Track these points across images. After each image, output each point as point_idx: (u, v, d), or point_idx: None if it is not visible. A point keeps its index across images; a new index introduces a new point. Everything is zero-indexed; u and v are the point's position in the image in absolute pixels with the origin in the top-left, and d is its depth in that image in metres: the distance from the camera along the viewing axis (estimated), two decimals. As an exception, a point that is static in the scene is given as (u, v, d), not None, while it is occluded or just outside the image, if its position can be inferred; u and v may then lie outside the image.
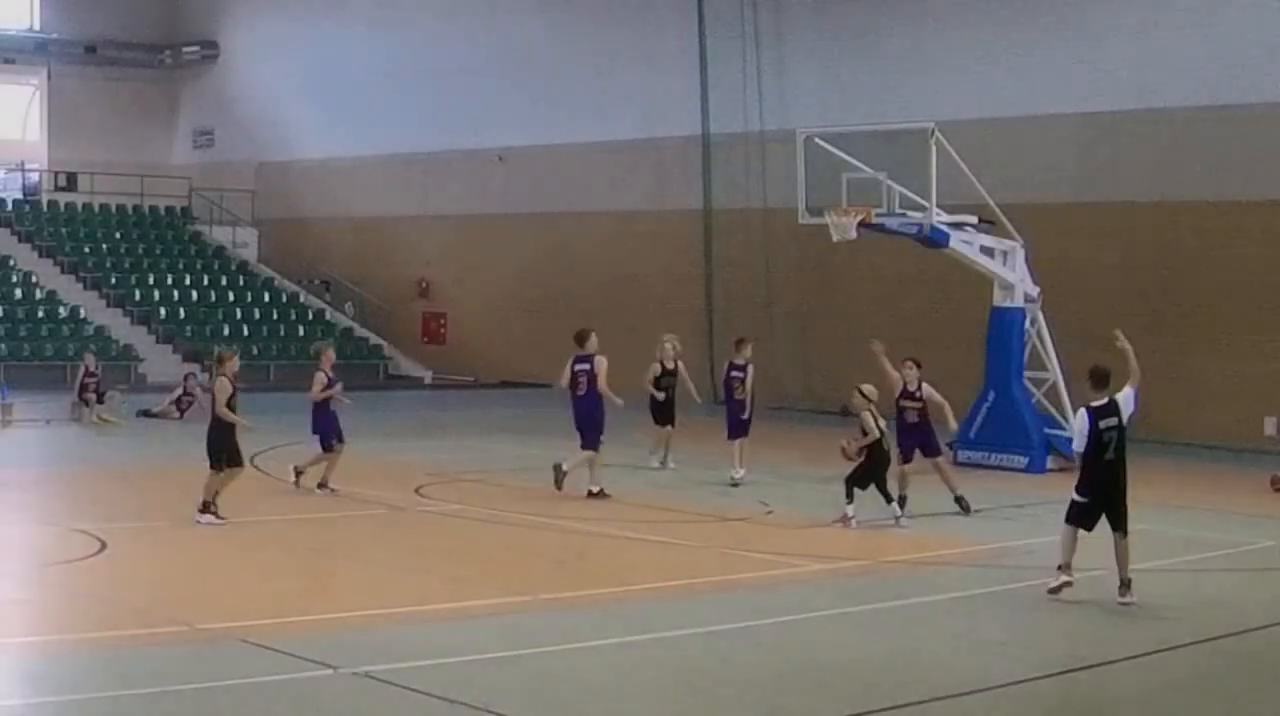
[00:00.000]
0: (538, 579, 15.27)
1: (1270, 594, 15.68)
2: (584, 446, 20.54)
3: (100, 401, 29.81)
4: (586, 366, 20.57)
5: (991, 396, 25.39)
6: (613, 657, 12.30)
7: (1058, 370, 25.62)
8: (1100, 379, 14.62)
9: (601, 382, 20.40)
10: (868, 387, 18.84)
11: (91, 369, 30.44)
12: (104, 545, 16.16)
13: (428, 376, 42.27)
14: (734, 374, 22.84)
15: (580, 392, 20.59)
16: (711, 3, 36.80)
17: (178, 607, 13.45)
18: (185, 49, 50.01)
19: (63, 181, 47.64)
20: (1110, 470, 14.43)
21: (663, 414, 23.59)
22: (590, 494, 20.27)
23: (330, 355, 20.89)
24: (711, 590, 15.15)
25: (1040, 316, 25.83)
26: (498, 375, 40.72)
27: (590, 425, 20.53)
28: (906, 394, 19.82)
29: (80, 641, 12.23)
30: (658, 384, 23.51)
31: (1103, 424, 14.36)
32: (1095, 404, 14.48)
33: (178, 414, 30.22)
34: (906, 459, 19.73)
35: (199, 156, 50.36)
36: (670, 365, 23.57)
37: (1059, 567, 14.49)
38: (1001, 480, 23.73)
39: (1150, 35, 29.94)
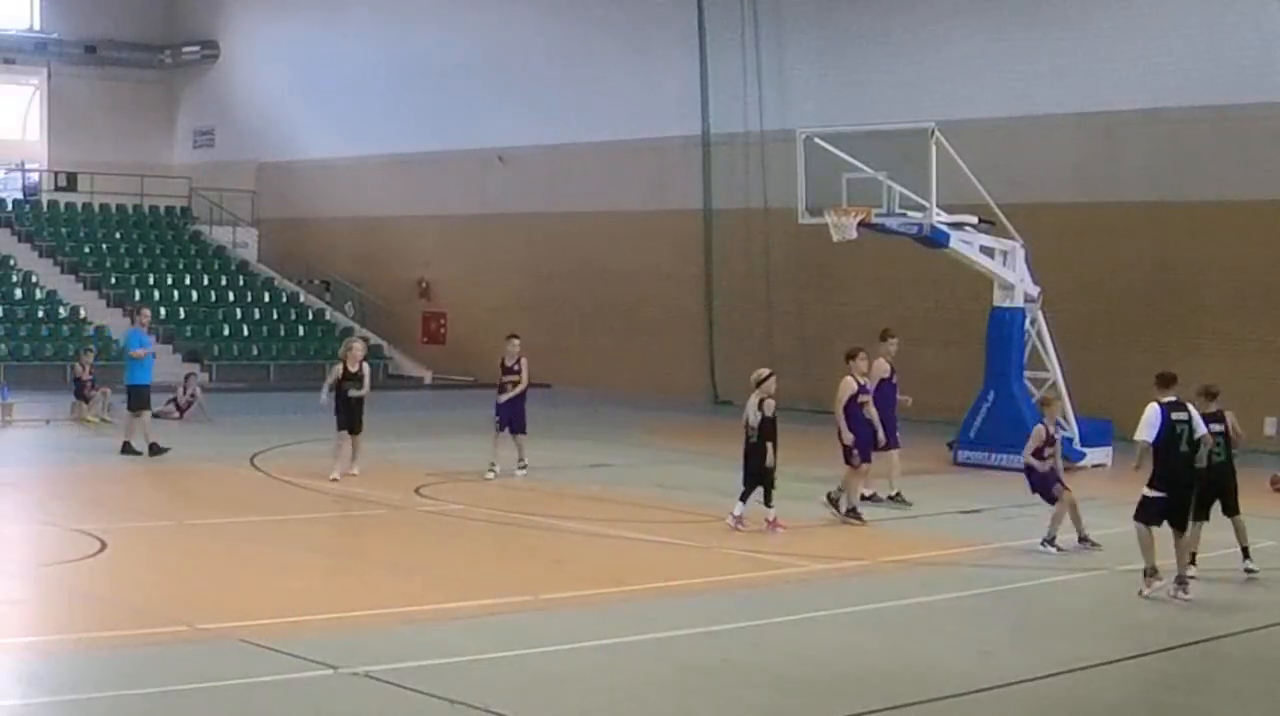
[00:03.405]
0: (538, 579, 15.26)
1: (1270, 594, 15.68)
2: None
3: (85, 401, 29.89)
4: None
5: (991, 396, 25.38)
6: (613, 657, 12.30)
7: (1058, 370, 25.62)
8: (1167, 380, 14.96)
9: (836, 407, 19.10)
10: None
11: (83, 370, 30.55)
12: (104, 545, 16.15)
13: (428, 376, 42.28)
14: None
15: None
16: (711, 3, 36.81)
17: (178, 607, 13.44)
18: (185, 49, 50.06)
19: (63, 181, 47.68)
20: (1186, 463, 14.69)
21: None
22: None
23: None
24: (711, 590, 15.14)
25: (1040, 316, 25.83)
26: (498, 375, 40.69)
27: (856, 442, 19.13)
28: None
29: (80, 641, 12.22)
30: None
31: (1174, 416, 14.66)
32: (1165, 400, 14.76)
33: (177, 414, 30.22)
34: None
35: (199, 156, 50.38)
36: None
37: (1147, 573, 14.56)
38: (1001, 480, 23.68)
39: (1150, 35, 29.96)
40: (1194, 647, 13.19)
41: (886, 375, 20.63)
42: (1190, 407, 14.88)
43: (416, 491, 20.86)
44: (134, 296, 42.26)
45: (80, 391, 30.09)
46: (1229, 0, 29.10)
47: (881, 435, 19.80)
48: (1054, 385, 25.45)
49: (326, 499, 20.05)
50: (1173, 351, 29.09)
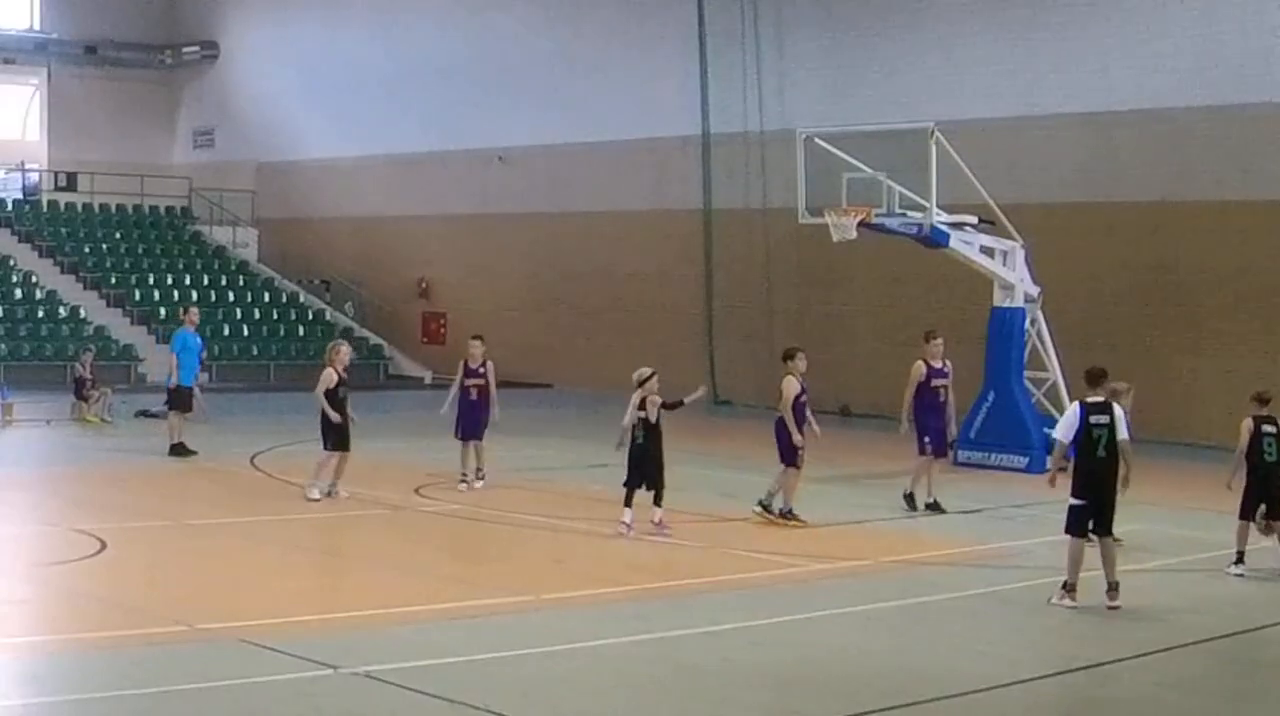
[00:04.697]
0: (538, 579, 15.26)
1: (1270, 594, 15.68)
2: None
3: (84, 400, 29.92)
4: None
5: (991, 396, 25.39)
6: (613, 657, 12.30)
7: (1058, 370, 25.62)
8: (1094, 378, 14.65)
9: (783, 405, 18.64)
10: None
11: (84, 369, 30.59)
12: (104, 545, 16.15)
13: (428, 376, 42.26)
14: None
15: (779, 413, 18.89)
16: (711, 3, 36.81)
17: (178, 607, 13.44)
18: (185, 49, 50.07)
19: (63, 181, 47.71)
20: (1101, 469, 14.35)
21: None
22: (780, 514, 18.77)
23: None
24: (711, 590, 15.14)
25: (1040, 316, 25.84)
26: (498, 375, 40.65)
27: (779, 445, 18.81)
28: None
29: (80, 641, 12.22)
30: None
31: (1093, 419, 14.31)
32: (1089, 400, 14.49)
33: (178, 414, 30.22)
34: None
35: (199, 156, 50.39)
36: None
37: (1066, 587, 14.31)
38: (1001, 480, 23.72)
39: (1150, 35, 29.97)
40: (1194, 647, 13.19)
41: (923, 378, 20.13)
42: (1115, 408, 14.46)
43: (416, 491, 20.85)
44: (134, 296, 42.33)
45: (80, 391, 30.11)
46: (1229, 0, 29.10)
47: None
48: (1054, 385, 25.48)
49: (326, 499, 20.02)
50: (1173, 351, 29.16)
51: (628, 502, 17.69)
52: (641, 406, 17.72)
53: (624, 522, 17.57)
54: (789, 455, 18.54)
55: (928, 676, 11.77)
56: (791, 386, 18.55)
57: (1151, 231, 30.04)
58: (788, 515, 18.64)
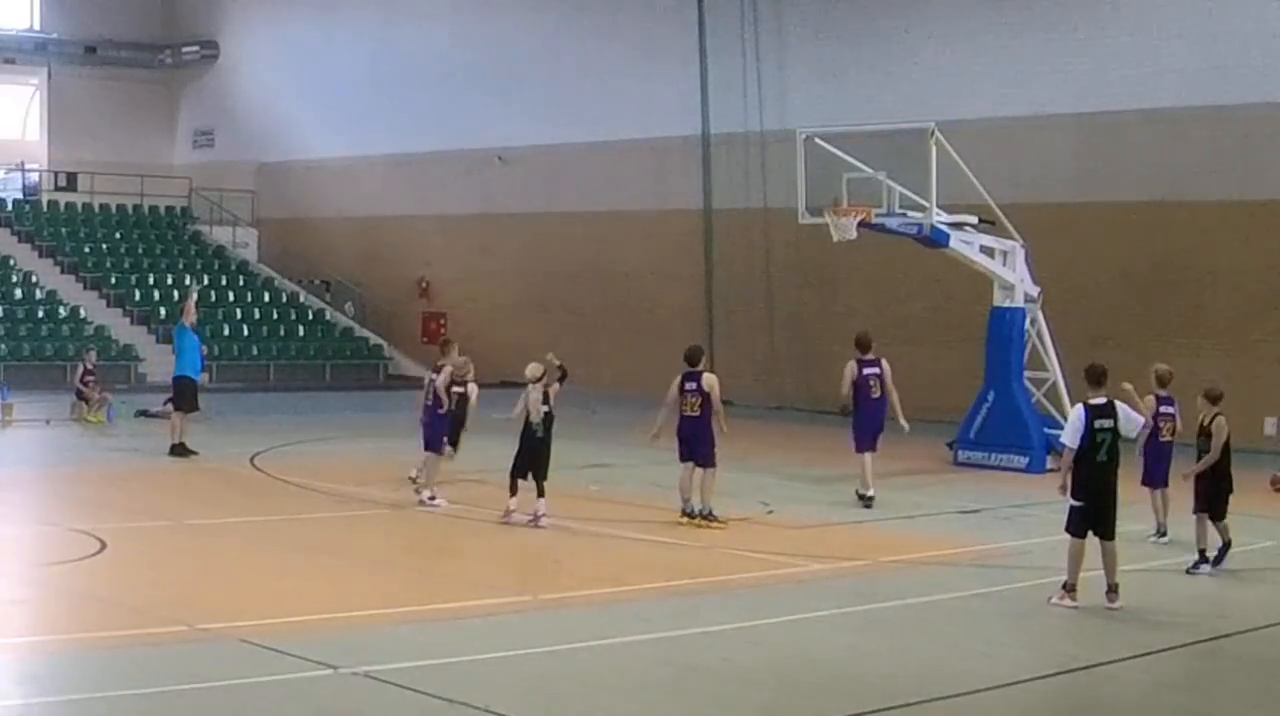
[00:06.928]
0: (537, 579, 15.27)
1: (1270, 594, 15.68)
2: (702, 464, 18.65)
3: (85, 400, 29.93)
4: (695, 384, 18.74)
5: (991, 396, 25.39)
6: (613, 657, 12.31)
7: (1058, 370, 25.61)
8: (1095, 376, 14.52)
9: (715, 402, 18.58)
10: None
11: (88, 367, 30.60)
12: (104, 545, 16.16)
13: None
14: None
15: (693, 413, 18.70)
16: (711, 3, 36.81)
17: (178, 607, 13.44)
18: (185, 49, 50.05)
19: (63, 181, 47.69)
20: (1102, 472, 14.28)
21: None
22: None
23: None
24: (711, 590, 15.14)
25: (1040, 316, 25.84)
26: (498, 375, 40.64)
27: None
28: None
29: (80, 641, 12.22)
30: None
31: (1097, 423, 14.21)
32: (1092, 402, 14.39)
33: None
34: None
35: (199, 156, 50.38)
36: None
37: (1066, 587, 14.29)
38: (1001, 480, 23.72)
39: (1150, 35, 29.98)
40: (1194, 647, 13.20)
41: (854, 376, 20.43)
42: (1118, 409, 14.41)
43: (416, 491, 20.82)
44: (134, 296, 42.31)
45: (81, 391, 30.10)
46: (1229, 0, 29.11)
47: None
48: (1054, 385, 25.47)
49: (327, 499, 20.04)
50: (1173, 351, 29.07)
51: (514, 491, 18.04)
52: (546, 400, 17.93)
53: (510, 510, 17.90)
54: (713, 456, 18.55)
55: (928, 676, 11.77)
56: (717, 383, 18.76)
57: (1151, 231, 30.05)
58: (708, 516, 18.46)
